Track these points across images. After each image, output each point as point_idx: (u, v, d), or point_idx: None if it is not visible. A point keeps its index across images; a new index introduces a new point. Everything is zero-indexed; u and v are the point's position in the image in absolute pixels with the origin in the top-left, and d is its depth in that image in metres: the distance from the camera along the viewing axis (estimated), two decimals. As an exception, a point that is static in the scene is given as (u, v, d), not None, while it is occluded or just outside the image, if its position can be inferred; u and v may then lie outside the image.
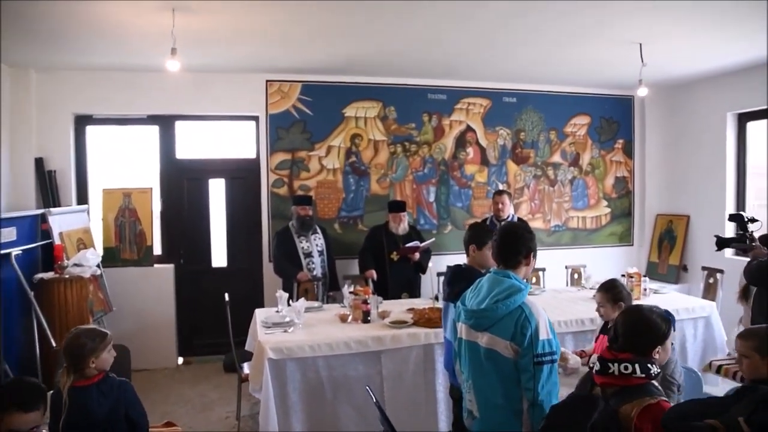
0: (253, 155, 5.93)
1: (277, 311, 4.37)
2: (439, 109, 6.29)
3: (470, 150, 6.44)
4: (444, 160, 6.35)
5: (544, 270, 5.76)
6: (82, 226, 5.17)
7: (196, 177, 5.83)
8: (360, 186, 6.06)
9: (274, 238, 5.27)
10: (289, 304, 4.31)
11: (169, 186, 5.76)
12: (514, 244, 2.37)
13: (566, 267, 5.93)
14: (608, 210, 7.10)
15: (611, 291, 3.22)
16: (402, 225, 5.42)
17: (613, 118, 7.05)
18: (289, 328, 3.93)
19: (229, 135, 5.94)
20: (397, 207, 5.46)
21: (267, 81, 5.77)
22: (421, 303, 4.71)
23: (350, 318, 4.16)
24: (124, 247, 5.62)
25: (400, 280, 5.38)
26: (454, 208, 6.43)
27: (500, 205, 5.55)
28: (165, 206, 5.78)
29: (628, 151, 7.14)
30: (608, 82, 6.56)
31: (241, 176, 5.92)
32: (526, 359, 2.16)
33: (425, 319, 4.06)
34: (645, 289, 4.84)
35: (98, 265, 4.93)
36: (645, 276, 5.88)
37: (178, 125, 5.78)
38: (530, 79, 6.43)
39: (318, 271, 5.20)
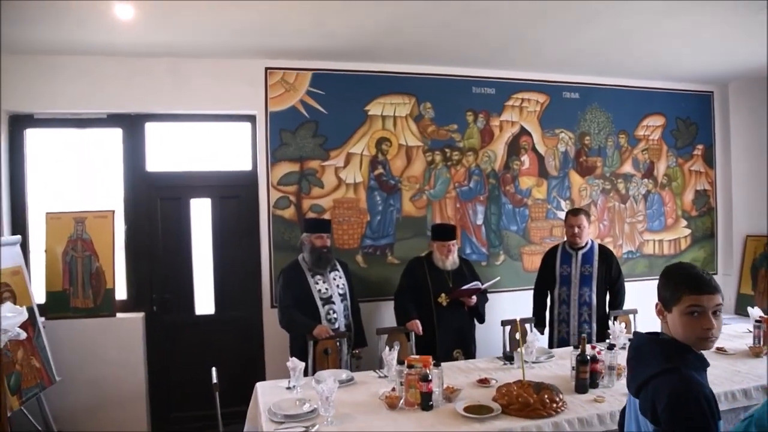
0: (248, 167, 4.51)
1: (289, 388, 2.98)
2: (486, 106, 4.94)
3: (525, 158, 5.07)
4: (494, 171, 4.97)
5: (635, 313, 4.36)
6: (11, 265, 3.70)
7: (173, 196, 4.39)
8: (389, 206, 4.65)
9: (280, 277, 3.83)
10: (306, 374, 2.91)
11: (137, 208, 4.32)
12: None
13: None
14: (688, 231, 5.74)
15: None
16: (451, 257, 4.03)
17: (691, 118, 5.74)
18: (312, 427, 2.49)
19: (217, 140, 4.52)
20: (445, 233, 4.05)
21: (267, 69, 4.39)
22: (487, 366, 3.45)
23: (402, 401, 2.75)
24: (76, 291, 4.15)
25: (450, 331, 3.96)
26: (508, 232, 5.03)
27: (576, 229, 4.20)
28: (132, 235, 4.33)
29: (710, 159, 5.81)
30: (684, 73, 5.30)
31: (234, 195, 4.49)
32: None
33: (519, 405, 2.65)
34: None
35: (32, 320, 3.47)
36: (735, 312, 4.55)
37: (149, 128, 4.36)
38: (595, 70, 5.11)
39: (341, 323, 3.76)
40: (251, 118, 4.46)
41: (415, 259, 4.18)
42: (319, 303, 3.70)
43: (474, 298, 3.96)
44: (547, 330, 4.37)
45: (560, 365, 3.49)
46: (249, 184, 4.46)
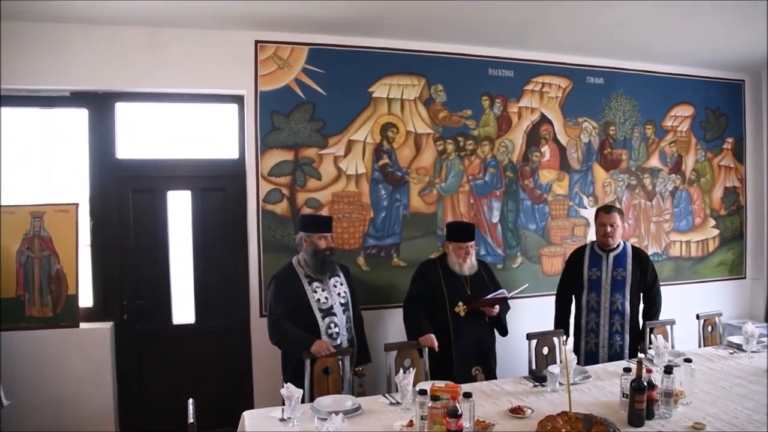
0: (234, 154, 3.94)
1: (283, 419, 2.45)
2: (504, 90, 4.41)
3: (546, 149, 4.55)
4: (511, 163, 4.44)
5: (673, 323, 3.86)
6: (-50, 267, 3.11)
7: (147, 187, 3.81)
8: (395, 201, 4.11)
9: (271, 284, 3.27)
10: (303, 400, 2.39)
11: (105, 201, 3.73)
12: None
13: (698, 317, 4.01)
14: (716, 232, 5.26)
15: None
16: (470, 260, 3.50)
17: (721, 109, 5.26)
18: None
19: (198, 124, 3.94)
20: (464, 233, 3.52)
21: (257, 42, 3.82)
22: (515, 389, 2.96)
23: (424, 438, 2.23)
24: (32, 297, 3.57)
25: (469, 346, 3.43)
26: (526, 231, 4.51)
27: (609, 228, 3.72)
28: (98, 233, 3.74)
29: (740, 154, 5.34)
30: (714, 59, 4.84)
31: (218, 186, 3.92)
32: None
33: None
34: None
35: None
36: (766, 319, 4.10)
37: (120, 108, 3.78)
38: (620, 53, 4.63)
39: (343, 337, 3.22)
40: (238, 99, 3.88)
41: (428, 262, 3.64)
42: (318, 315, 3.14)
43: (497, 308, 3.44)
44: (570, 340, 3.87)
45: (600, 388, 2.98)
46: (235, 174, 3.89)
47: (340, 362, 3.08)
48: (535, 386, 3.03)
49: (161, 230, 3.83)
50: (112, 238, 3.74)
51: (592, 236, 4.67)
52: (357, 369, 3.30)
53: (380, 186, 4.06)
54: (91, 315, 3.71)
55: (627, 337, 3.74)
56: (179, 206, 3.86)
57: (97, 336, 3.62)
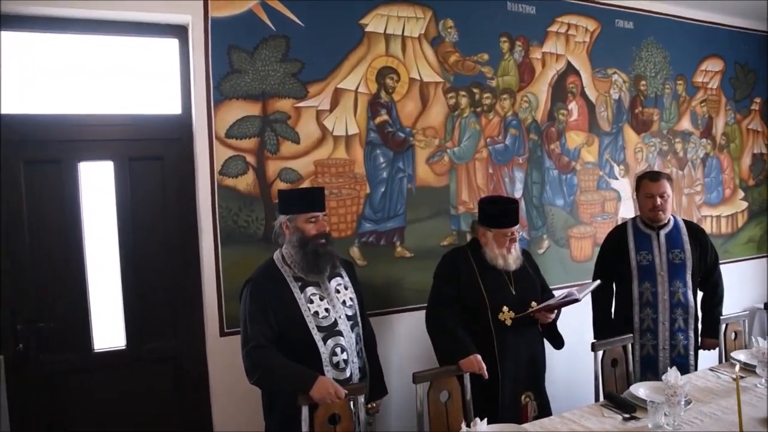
0: (176, 109, 2.80)
1: None
2: (525, 30, 3.49)
3: (573, 106, 3.68)
4: (535, 122, 3.54)
5: (746, 318, 3.09)
6: None
7: (47, 158, 2.61)
8: (397, 171, 3.11)
9: (245, 293, 2.20)
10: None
11: (-18, 178, 2.51)
12: None
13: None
14: (745, 204, 4.60)
15: None
16: (515, 251, 2.56)
17: (749, 64, 4.58)
18: None
19: (123, 65, 2.76)
20: (507, 215, 2.57)
21: (206, -51, 2.69)
22: (599, 427, 2.12)
23: None
24: None
25: (518, 365, 2.51)
26: (553, 208, 3.63)
27: (659, 200, 2.92)
28: (-26, 225, 2.53)
29: (767, 116, 4.69)
30: (743, 6, 4.12)
31: (153, 155, 2.77)
32: None
33: None
34: None
35: None
36: None
37: (3, 39, 2.54)
38: (651, -8, 3.81)
39: (354, 366, 2.22)
40: (180, 31, 2.74)
41: (456, 253, 2.67)
42: (316, 336, 2.12)
43: (552, 316, 2.53)
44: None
45: (716, 419, 2.15)
46: (178, 137, 2.77)
47: (351, 404, 2.08)
48: (627, 419, 2.16)
49: (71, 220, 2.64)
50: (-5, 232, 2.54)
51: (624, 213, 3.87)
52: (370, 406, 2.31)
53: (378, 151, 3.05)
54: (-35, 346, 2.51)
55: (692, 334, 2.96)
56: (97, 184, 2.69)
57: (-22, 376, 2.44)
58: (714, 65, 4.36)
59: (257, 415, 2.29)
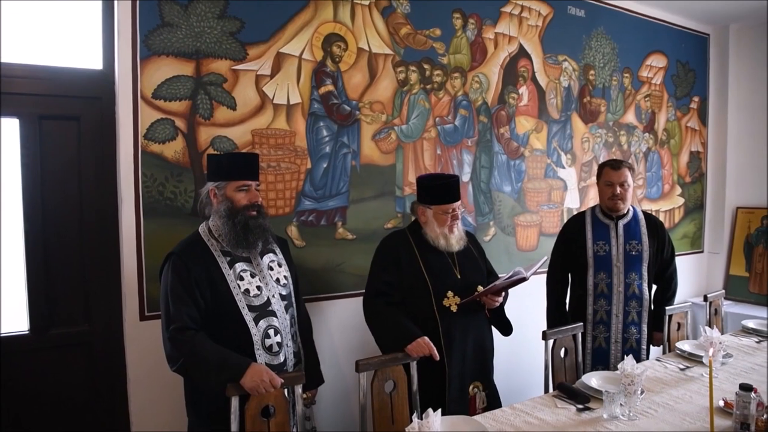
0: (98, 63, 2.49)
1: None
2: (478, 8, 3.37)
3: (524, 91, 3.61)
4: (485, 104, 3.44)
5: (689, 309, 3.11)
6: None
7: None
8: (341, 146, 2.91)
9: (166, 269, 1.95)
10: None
11: None
12: None
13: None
14: (681, 201, 4.71)
15: None
16: (457, 230, 2.42)
17: (690, 64, 4.67)
18: None
19: (34, 11, 2.42)
20: (448, 190, 2.41)
21: None
22: (554, 419, 2.04)
23: None
24: None
25: (465, 354, 2.38)
26: (501, 194, 3.54)
27: (619, 189, 2.89)
28: None
29: (704, 115, 4.81)
30: (685, 6, 4.20)
31: (68, 113, 2.45)
32: None
33: None
34: None
35: None
36: (722, 296, 3.55)
37: None
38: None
39: (289, 351, 2.02)
40: (102, -25, 2.44)
41: (395, 235, 2.50)
42: (247, 317, 1.90)
43: (500, 299, 2.41)
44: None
45: (669, 408, 2.10)
46: (98, 95, 2.46)
47: (287, 394, 1.88)
48: (581, 410, 2.07)
49: (-35, 181, 2.30)
50: None
51: (570, 203, 3.85)
52: (305, 395, 2.11)
53: (321, 123, 2.84)
54: None
55: (644, 328, 2.93)
56: (2, 147, 2.35)
57: None
58: (658, 61, 4.41)
59: (180, 408, 2.05)
